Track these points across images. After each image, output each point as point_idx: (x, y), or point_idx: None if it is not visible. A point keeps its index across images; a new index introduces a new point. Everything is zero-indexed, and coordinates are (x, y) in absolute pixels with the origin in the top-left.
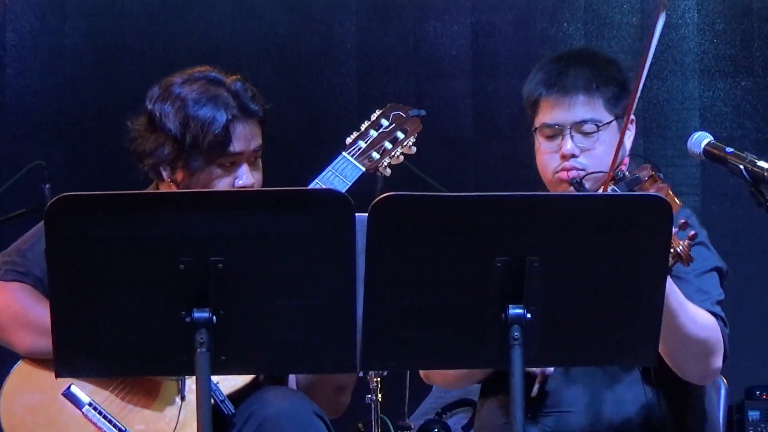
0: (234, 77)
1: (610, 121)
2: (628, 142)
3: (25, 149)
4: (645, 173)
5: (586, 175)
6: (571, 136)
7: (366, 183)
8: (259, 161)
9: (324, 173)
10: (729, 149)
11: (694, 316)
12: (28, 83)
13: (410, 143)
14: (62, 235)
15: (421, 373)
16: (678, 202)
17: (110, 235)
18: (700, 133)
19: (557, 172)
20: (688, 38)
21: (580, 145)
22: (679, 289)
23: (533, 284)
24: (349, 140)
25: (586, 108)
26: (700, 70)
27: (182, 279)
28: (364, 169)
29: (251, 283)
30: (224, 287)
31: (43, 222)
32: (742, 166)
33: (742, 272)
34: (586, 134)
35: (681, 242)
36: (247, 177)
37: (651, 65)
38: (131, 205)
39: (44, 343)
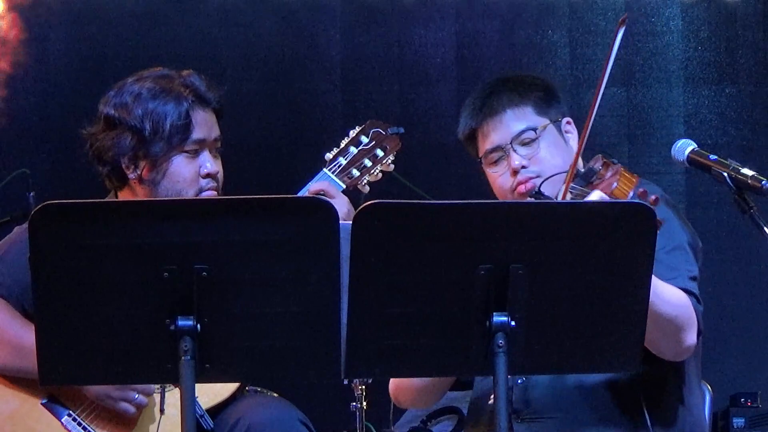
0: (188, 71)
1: (546, 125)
2: (573, 142)
3: (10, 157)
4: (598, 163)
5: (542, 182)
6: (515, 150)
7: (350, 191)
8: (219, 156)
9: (305, 189)
10: (713, 156)
11: (663, 293)
12: (12, 91)
13: (389, 161)
14: (46, 242)
15: (392, 394)
16: (634, 178)
17: (94, 243)
18: (684, 140)
19: (515, 190)
20: (672, 46)
21: (525, 154)
22: None
23: (517, 291)
24: (329, 156)
25: (517, 120)
26: (685, 77)
27: (167, 287)
28: (344, 186)
29: (236, 290)
30: (208, 295)
31: (13, 232)
32: (725, 174)
33: (726, 279)
34: (526, 144)
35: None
36: (212, 164)
37: (634, 72)
38: (116, 213)
39: (18, 363)
